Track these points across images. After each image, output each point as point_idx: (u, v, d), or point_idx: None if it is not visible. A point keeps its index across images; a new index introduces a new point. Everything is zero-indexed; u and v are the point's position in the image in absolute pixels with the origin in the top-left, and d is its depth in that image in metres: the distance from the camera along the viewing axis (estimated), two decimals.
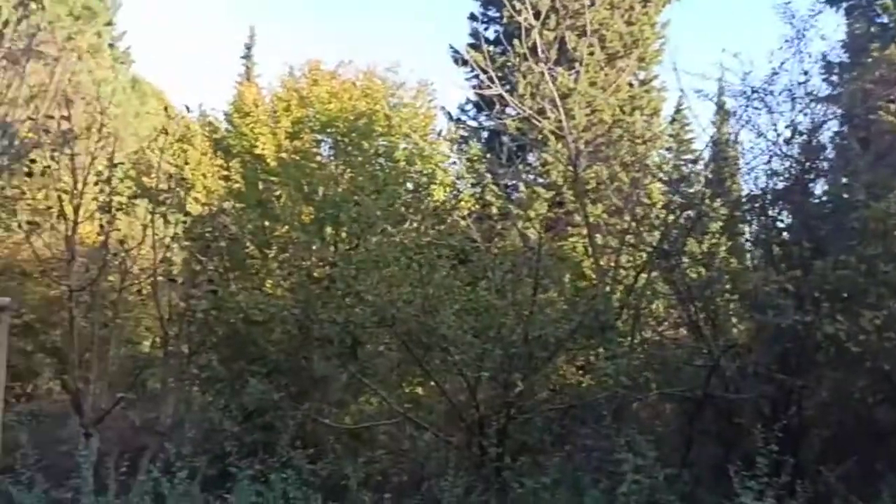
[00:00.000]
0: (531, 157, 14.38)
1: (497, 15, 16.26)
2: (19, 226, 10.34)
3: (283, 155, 13.84)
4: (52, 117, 9.21)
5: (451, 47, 16.79)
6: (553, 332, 8.34)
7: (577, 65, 13.04)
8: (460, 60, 15.90)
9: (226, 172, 13.87)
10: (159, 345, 11.34)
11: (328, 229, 12.99)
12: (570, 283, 10.21)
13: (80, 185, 9.28)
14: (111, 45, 15.22)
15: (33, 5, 9.15)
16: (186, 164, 11.91)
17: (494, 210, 12.02)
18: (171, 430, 9.65)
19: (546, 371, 8.85)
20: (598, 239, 10.57)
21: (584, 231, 10.87)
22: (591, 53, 13.17)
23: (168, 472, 7.14)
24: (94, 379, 9.34)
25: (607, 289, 9.48)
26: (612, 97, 12.68)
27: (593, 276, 10.27)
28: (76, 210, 9.26)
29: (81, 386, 9.33)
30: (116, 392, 9.99)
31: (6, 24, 8.62)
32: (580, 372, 9.68)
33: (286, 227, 13.33)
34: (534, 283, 8.65)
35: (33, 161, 9.43)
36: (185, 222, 11.08)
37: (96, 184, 9.49)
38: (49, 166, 9.30)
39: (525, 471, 7.50)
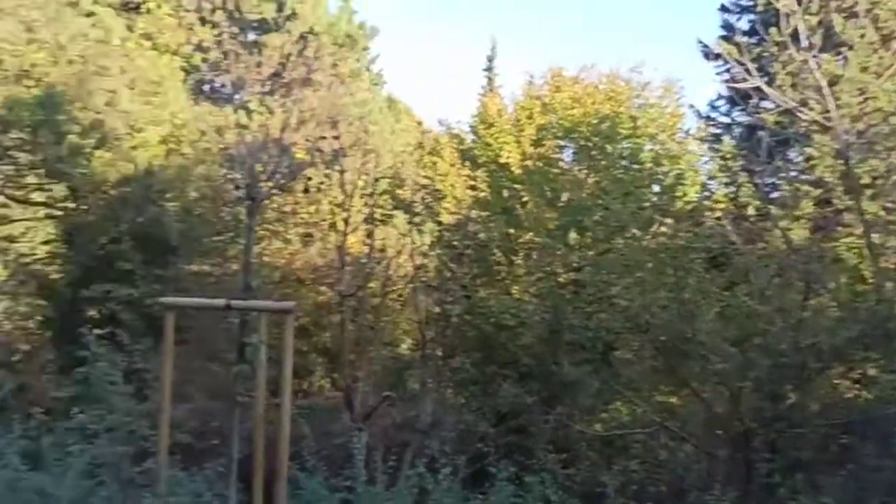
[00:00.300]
0: (792, 153, 13.34)
1: (751, 3, 15.36)
2: (297, 237, 11.41)
3: (528, 162, 14.07)
4: (324, 138, 10.10)
5: (700, 42, 16.18)
6: (827, 341, 7.67)
7: (844, 49, 11.86)
8: (711, 55, 15.23)
9: (472, 182, 14.38)
10: (416, 347, 11.99)
11: (572, 234, 13.01)
12: (846, 287, 9.32)
13: (349, 199, 10.10)
14: (368, 69, 16.50)
15: (311, 37, 10.17)
16: (439, 175, 12.52)
17: (752, 210, 11.30)
18: (430, 429, 10.12)
19: (819, 383, 8.16)
20: (876, 238, 9.51)
21: (860, 230, 9.84)
22: (863, 36, 11.89)
23: (432, 468, 7.47)
24: (362, 378, 10.05)
25: (891, 294, 8.51)
26: (888, 82, 11.38)
27: (872, 279, 9.28)
28: (346, 222, 10.08)
29: (351, 384, 10.08)
30: (381, 391, 10.68)
31: (289, 56, 9.63)
32: (857, 385, 8.82)
33: (531, 233, 13.55)
34: (804, 288, 8.01)
35: (309, 179, 10.39)
36: (437, 231, 11.64)
37: (361, 197, 10.25)
38: (323, 183, 10.21)
39: (800, 489, 6.94)
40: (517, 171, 14.10)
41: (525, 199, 13.88)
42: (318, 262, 11.75)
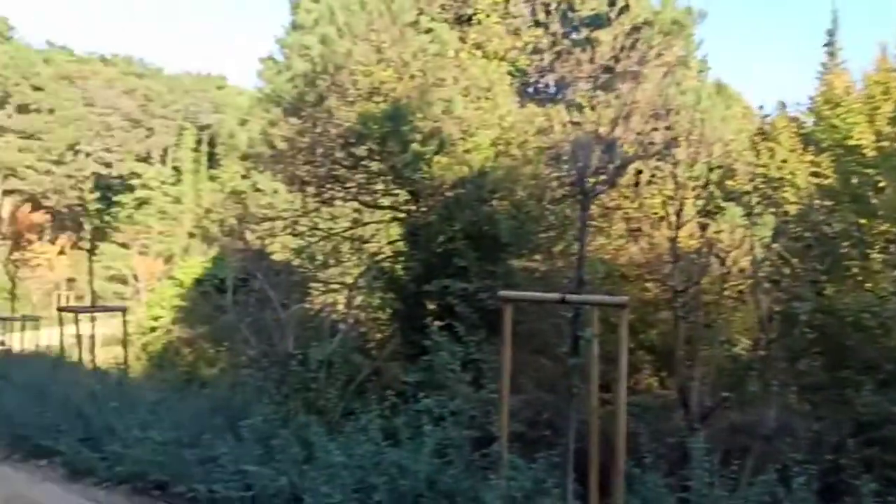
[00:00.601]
0: None
1: None
2: (623, 232, 11.27)
3: (883, 143, 12.43)
4: (655, 129, 9.85)
5: None
6: None
7: None
8: None
9: (816, 168, 13.07)
10: (754, 347, 11.20)
11: None
12: None
13: (680, 192, 9.74)
14: (694, 55, 15.82)
15: (645, 28, 10.01)
16: (777, 162, 11.58)
17: None
18: (775, 435, 9.38)
19: None
20: None
21: None
22: None
23: (783, 477, 6.90)
24: (698, 377, 9.61)
25: None
26: None
27: None
28: (678, 215, 9.73)
29: (686, 383, 9.69)
30: (716, 391, 10.14)
31: (621, 49, 9.56)
32: None
33: (888, 223, 11.96)
34: None
35: (639, 172, 10.20)
36: (777, 223, 10.77)
37: (693, 189, 9.82)
38: (653, 176, 9.96)
39: None
40: (870, 154, 12.52)
41: (881, 184, 12.28)
42: (644, 257, 11.48)
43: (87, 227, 15.56)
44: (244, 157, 14.66)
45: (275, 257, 17.13)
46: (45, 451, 9.12)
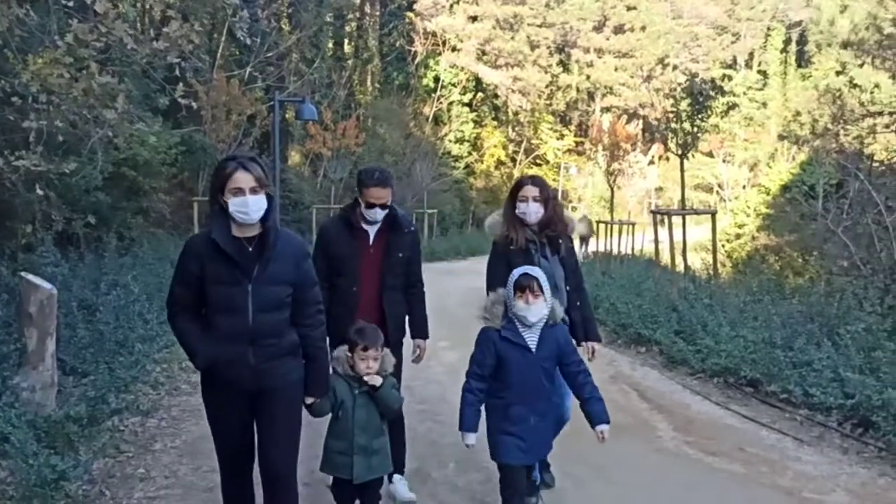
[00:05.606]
0: None
1: None
2: None
3: None
4: None
5: None
6: None
7: None
8: None
9: None
10: None
11: None
12: None
13: None
14: None
15: None
16: None
17: None
18: None
19: None
20: None
21: None
22: None
23: None
24: None
25: None
26: None
27: None
28: None
29: None
30: None
31: None
32: None
33: None
34: None
35: None
36: None
37: None
38: None
39: None
40: None
41: None
42: None
43: (679, 133, 16.10)
44: (845, 45, 13.24)
45: (876, 158, 15.45)
46: (644, 339, 9.96)
